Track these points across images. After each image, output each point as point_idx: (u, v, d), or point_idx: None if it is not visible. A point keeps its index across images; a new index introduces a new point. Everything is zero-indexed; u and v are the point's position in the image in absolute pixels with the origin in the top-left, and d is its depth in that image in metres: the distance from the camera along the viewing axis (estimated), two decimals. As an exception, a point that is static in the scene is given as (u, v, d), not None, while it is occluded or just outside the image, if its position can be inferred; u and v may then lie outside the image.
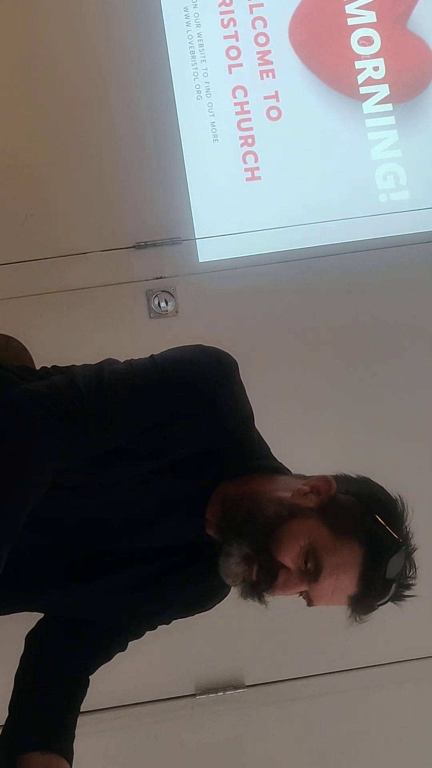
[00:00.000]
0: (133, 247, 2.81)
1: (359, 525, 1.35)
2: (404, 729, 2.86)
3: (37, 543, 1.42)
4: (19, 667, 1.59)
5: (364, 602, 1.37)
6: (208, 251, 2.83)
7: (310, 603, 1.40)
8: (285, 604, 2.83)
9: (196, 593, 1.54)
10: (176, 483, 1.41)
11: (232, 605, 2.86)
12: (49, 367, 1.61)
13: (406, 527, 1.40)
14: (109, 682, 2.76)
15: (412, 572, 1.40)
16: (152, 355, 1.45)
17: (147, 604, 1.51)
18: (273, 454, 1.52)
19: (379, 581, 1.35)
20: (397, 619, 2.83)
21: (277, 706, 2.81)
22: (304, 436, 2.68)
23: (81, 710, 2.78)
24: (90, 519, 1.41)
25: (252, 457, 1.47)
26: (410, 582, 1.40)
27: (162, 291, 2.80)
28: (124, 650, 1.64)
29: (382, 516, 1.36)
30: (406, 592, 1.40)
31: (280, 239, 2.84)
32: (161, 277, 2.81)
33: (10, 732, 1.48)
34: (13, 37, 2.83)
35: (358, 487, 1.42)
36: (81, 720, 2.73)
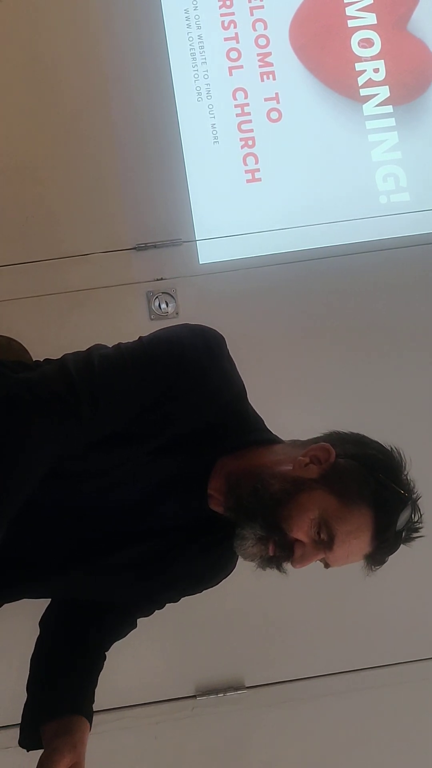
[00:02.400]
0: (134, 248, 2.81)
1: (365, 488, 1.36)
2: (404, 730, 2.86)
3: (40, 531, 1.43)
4: (35, 648, 1.63)
5: (378, 557, 1.40)
6: (208, 253, 2.83)
7: (327, 566, 1.42)
8: (285, 604, 2.85)
9: (202, 568, 1.55)
10: (176, 461, 1.42)
11: (233, 606, 2.88)
12: (41, 360, 1.62)
13: (406, 477, 1.42)
14: (109, 683, 2.76)
15: (418, 517, 1.42)
16: (140, 337, 1.47)
17: (155, 580, 1.51)
18: (267, 427, 1.54)
19: (391, 536, 1.38)
20: (397, 620, 2.85)
21: (278, 707, 2.81)
22: (305, 437, 2.68)
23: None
24: (93, 503, 1.42)
25: (248, 430, 1.48)
26: (418, 526, 1.42)
27: (163, 292, 2.80)
28: (134, 627, 1.68)
29: (385, 474, 1.38)
30: (415, 535, 1.42)
31: (281, 241, 2.85)
32: (162, 279, 2.81)
33: (32, 704, 1.57)
34: (15, 40, 2.84)
35: (355, 449, 1.43)
36: (81, 721, 2.74)
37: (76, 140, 2.83)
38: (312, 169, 2.89)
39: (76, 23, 2.86)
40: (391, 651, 2.85)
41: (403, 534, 1.40)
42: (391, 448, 1.44)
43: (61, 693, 1.53)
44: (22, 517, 1.37)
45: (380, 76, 2.93)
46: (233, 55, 2.90)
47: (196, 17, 2.89)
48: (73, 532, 1.45)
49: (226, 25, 2.90)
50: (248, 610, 2.78)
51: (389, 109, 2.92)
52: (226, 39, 2.90)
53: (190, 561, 1.51)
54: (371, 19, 2.93)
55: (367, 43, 2.93)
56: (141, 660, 2.75)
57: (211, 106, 2.88)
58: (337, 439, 1.46)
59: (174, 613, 2.71)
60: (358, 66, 2.92)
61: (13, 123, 2.83)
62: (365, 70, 2.93)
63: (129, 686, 2.76)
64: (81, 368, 1.38)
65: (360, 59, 2.93)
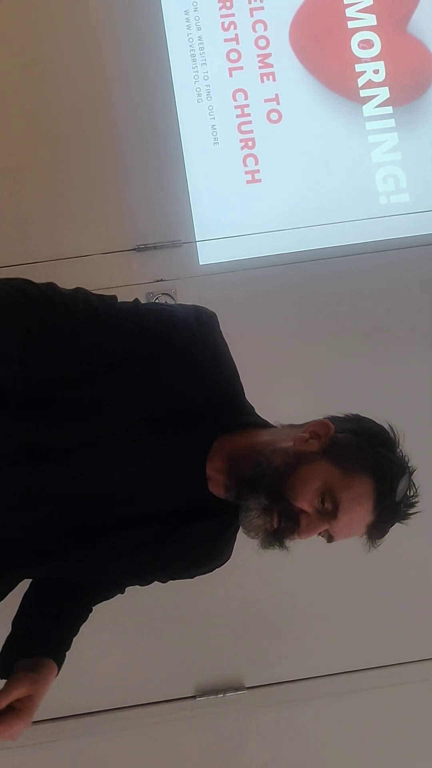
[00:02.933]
0: (134, 249, 2.81)
1: (364, 459, 1.40)
2: (404, 731, 2.86)
3: (38, 518, 1.44)
4: (22, 598, 1.68)
5: (379, 527, 1.43)
6: (208, 254, 2.83)
7: (330, 539, 1.44)
8: (285, 605, 2.85)
9: (198, 555, 1.56)
10: (173, 435, 1.43)
11: (233, 606, 2.88)
12: None
13: (401, 451, 1.46)
14: (109, 683, 2.77)
15: (413, 492, 1.46)
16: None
17: (151, 562, 1.53)
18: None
19: (391, 505, 1.41)
20: (397, 621, 2.85)
21: (277, 708, 2.81)
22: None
23: (81, 712, 2.81)
24: (93, 486, 1.42)
25: (244, 412, 1.51)
26: (414, 501, 1.46)
27: (162, 293, 2.80)
28: (122, 593, 1.70)
29: (383, 446, 1.43)
30: (411, 510, 1.46)
31: (281, 242, 2.85)
32: (162, 280, 2.81)
33: (11, 641, 1.61)
34: (16, 41, 2.84)
35: (352, 425, 1.48)
36: (81, 721, 2.76)
37: (77, 141, 2.83)
38: (312, 170, 2.89)
39: (77, 24, 2.86)
40: (390, 652, 2.85)
41: (401, 507, 1.43)
42: (387, 426, 1.47)
43: (37, 637, 1.60)
44: (19, 506, 1.40)
45: (380, 77, 2.93)
46: (233, 56, 2.90)
47: (196, 18, 2.89)
48: (65, 518, 1.45)
49: (226, 26, 2.90)
50: (248, 611, 2.78)
51: (389, 110, 2.93)
52: (226, 40, 2.90)
53: (187, 546, 1.51)
54: (371, 20, 2.93)
55: (367, 44, 2.93)
56: (141, 660, 2.75)
57: (211, 107, 2.88)
58: (333, 418, 1.50)
59: (174, 613, 2.72)
60: (358, 67, 2.93)
61: (13, 124, 2.83)
62: (365, 71, 2.93)
63: (128, 686, 2.76)
64: (69, 292, 1.43)
65: (360, 60, 2.93)
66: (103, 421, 1.39)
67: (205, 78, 2.88)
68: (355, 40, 2.94)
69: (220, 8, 2.90)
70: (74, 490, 1.42)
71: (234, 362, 1.51)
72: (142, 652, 2.74)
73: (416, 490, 1.46)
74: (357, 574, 2.83)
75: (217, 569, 1.64)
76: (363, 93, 2.92)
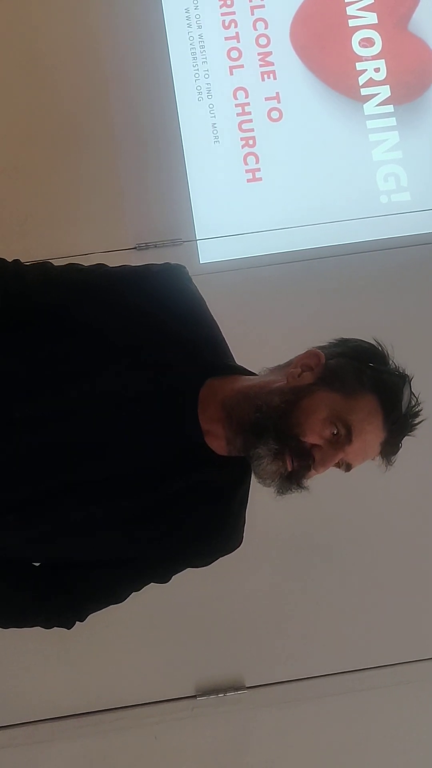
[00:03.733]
0: (134, 248, 2.81)
1: (362, 378, 1.39)
2: (405, 730, 2.86)
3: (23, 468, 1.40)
4: None
5: (392, 442, 1.40)
6: (209, 252, 2.83)
7: (348, 468, 1.39)
8: (285, 604, 2.85)
9: (201, 522, 1.47)
10: (162, 375, 1.40)
11: (233, 606, 2.87)
12: None
13: (393, 362, 1.47)
14: (109, 683, 2.77)
15: (415, 401, 1.44)
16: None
17: (143, 526, 1.44)
18: None
19: (400, 417, 1.39)
20: (398, 620, 2.85)
21: (278, 707, 2.81)
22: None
23: (81, 712, 2.81)
24: (89, 443, 1.39)
25: (228, 357, 1.49)
26: (418, 409, 1.44)
27: (163, 292, 2.79)
28: (120, 599, 1.57)
29: (376, 362, 1.43)
30: (417, 420, 1.43)
31: (281, 240, 2.84)
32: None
33: None
34: (15, 39, 2.84)
35: (340, 348, 1.46)
36: (81, 721, 2.76)
37: (76, 139, 2.83)
38: (312, 168, 2.89)
39: (76, 22, 2.85)
40: (391, 651, 2.85)
41: (408, 417, 1.41)
42: (374, 341, 1.48)
43: None
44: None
45: (381, 75, 2.92)
46: (234, 54, 2.89)
47: (197, 16, 2.89)
48: (55, 476, 1.40)
49: (226, 24, 2.90)
50: (248, 610, 2.78)
51: (390, 108, 2.92)
52: (226, 38, 2.90)
53: (186, 507, 1.44)
54: (372, 18, 2.93)
55: (367, 42, 2.93)
56: (141, 660, 2.75)
57: (211, 106, 2.88)
58: (319, 347, 1.47)
59: (174, 613, 2.72)
60: (359, 65, 2.92)
61: (13, 122, 2.83)
62: (366, 70, 2.92)
63: (129, 686, 2.76)
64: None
65: (361, 59, 2.92)
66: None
67: (206, 76, 2.88)
68: (355, 39, 2.93)
69: (221, 6, 2.90)
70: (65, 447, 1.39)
71: (210, 315, 1.51)
72: (142, 652, 2.74)
73: (417, 398, 1.45)
74: (358, 574, 2.83)
75: (223, 556, 1.55)
76: (364, 91, 2.92)
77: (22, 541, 1.45)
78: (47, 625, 1.53)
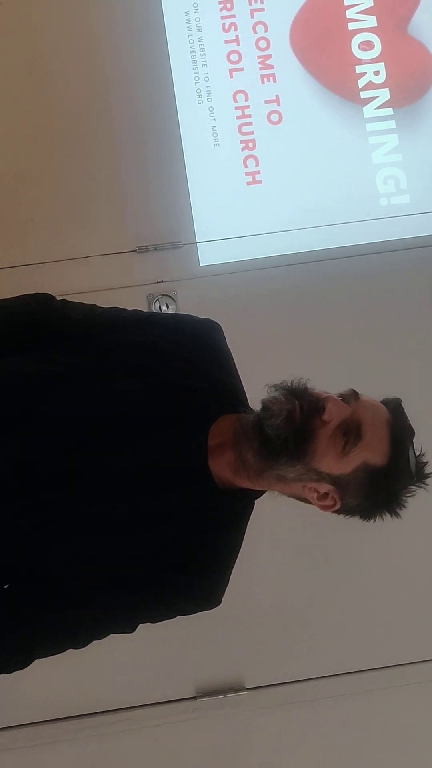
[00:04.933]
0: (135, 251, 2.82)
1: None
2: (406, 732, 2.86)
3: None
4: None
5: (397, 427, 1.44)
6: (209, 255, 2.83)
7: (357, 436, 1.39)
8: (285, 605, 2.84)
9: (187, 553, 1.45)
10: (177, 398, 1.45)
11: (233, 607, 2.87)
12: None
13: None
14: (109, 684, 2.77)
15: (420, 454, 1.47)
16: None
17: (124, 544, 1.43)
18: None
19: (402, 415, 1.46)
20: (399, 622, 2.85)
21: (278, 709, 2.81)
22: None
23: (82, 713, 2.81)
24: (103, 443, 1.42)
25: (247, 405, 1.51)
26: (424, 462, 1.47)
27: (163, 295, 2.80)
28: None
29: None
30: (427, 470, 1.47)
31: (281, 243, 2.85)
32: (162, 281, 2.81)
33: None
34: (16, 44, 2.84)
35: None
36: (81, 722, 2.76)
37: (77, 142, 2.83)
38: (312, 171, 2.89)
39: (77, 25, 2.86)
40: (392, 652, 2.85)
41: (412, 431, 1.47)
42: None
43: None
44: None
45: (380, 78, 2.93)
46: (234, 57, 2.90)
47: (197, 20, 2.90)
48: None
49: (226, 27, 2.90)
50: (248, 611, 2.78)
51: (389, 111, 2.93)
52: (226, 41, 2.90)
53: (172, 531, 1.43)
54: (371, 21, 2.94)
55: (367, 45, 2.94)
56: (141, 661, 2.75)
57: (211, 109, 2.88)
58: None
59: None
60: (359, 68, 2.93)
61: (14, 126, 2.84)
62: (365, 73, 2.93)
63: (129, 687, 2.76)
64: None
65: (360, 62, 2.93)
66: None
67: (206, 79, 2.88)
68: (355, 42, 2.94)
69: (221, 9, 2.90)
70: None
71: (235, 368, 1.56)
72: (142, 653, 2.74)
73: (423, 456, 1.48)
74: (359, 574, 2.83)
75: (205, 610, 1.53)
76: (363, 94, 2.93)
77: (25, 537, 1.44)
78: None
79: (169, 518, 1.41)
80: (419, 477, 1.44)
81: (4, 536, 1.43)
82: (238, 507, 1.47)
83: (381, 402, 1.47)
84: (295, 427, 1.36)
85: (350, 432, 1.38)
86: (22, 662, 1.47)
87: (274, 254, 2.84)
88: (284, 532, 2.78)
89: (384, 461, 1.40)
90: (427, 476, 1.46)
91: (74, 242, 2.79)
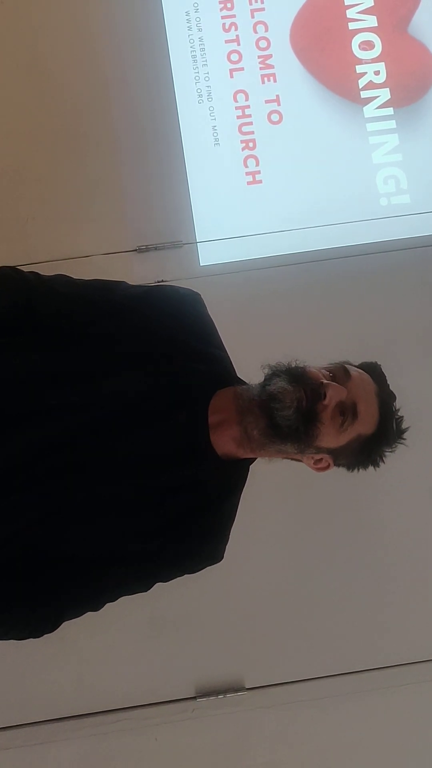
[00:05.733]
0: (135, 250, 2.82)
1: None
2: (406, 732, 2.86)
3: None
4: None
5: (385, 394, 1.57)
6: (209, 255, 2.83)
7: (354, 414, 1.50)
8: (285, 605, 2.84)
9: (188, 529, 1.54)
10: (176, 379, 1.51)
11: (233, 607, 2.88)
12: None
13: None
14: (109, 684, 2.77)
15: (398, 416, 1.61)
16: None
17: (132, 520, 1.51)
18: None
19: (384, 381, 1.60)
20: (399, 621, 2.85)
21: (278, 709, 2.80)
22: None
23: (81, 712, 2.81)
24: (105, 429, 1.47)
25: (234, 373, 1.61)
26: (403, 428, 1.61)
27: (163, 294, 2.80)
28: (97, 606, 1.59)
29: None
30: (402, 426, 1.61)
31: (281, 243, 2.85)
32: (163, 281, 2.81)
33: None
34: (17, 43, 2.84)
35: None
36: (81, 722, 2.76)
37: (77, 142, 2.83)
38: (313, 171, 2.90)
39: (77, 25, 2.86)
40: (392, 652, 2.85)
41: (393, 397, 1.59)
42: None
43: None
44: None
45: (381, 78, 2.93)
46: (234, 57, 2.90)
47: (197, 19, 2.90)
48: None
49: (227, 27, 2.90)
50: (248, 611, 2.78)
51: (390, 111, 2.93)
52: (227, 41, 2.90)
53: (175, 508, 1.51)
54: (372, 21, 2.94)
55: (367, 45, 2.94)
56: (141, 661, 2.75)
57: (211, 108, 2.88)
58: None
59: (174, 614, 2.72)
60: (359, 68, 2.93)
61: (14, 125, 2.84)
62: (366, 73, 2.93)
63: (129, 687, 2.76)
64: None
65: (361, 61, 2.93)
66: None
67: (206, 79, 2.88)
68: (355, 42, 2.94)
69: (221, 9, 2.90)
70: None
71: (220, 337, 1.64)
72: (142, 653, 2.74)
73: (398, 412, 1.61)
74: (359, 574, 2.83)
75: (209, 567, 1.60)
76: (364, 94, 2.93)
77: (31, 524, 1.48)
78: (22, 635, 1.55)
79: (176, 494, 1.49)
80: (399, 434, 1.60)
81: (22, 522, 1.48)
82: (236, 475, 1.56)
83: (362, 366, 1.59)
84: (303, 415, 1.46)
85: (347, 411, 1.50)
86: (50, 628, 1.56)
87: (274, 254, 2.84)
88: (284, 532, 2.78)
89: (374, 429, 1.55)
90: (404, 431, 1.62)
91: (75, 241, 2.79)
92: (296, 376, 1.49)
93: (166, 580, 1.59)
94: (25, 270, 1.60)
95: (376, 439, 1.56)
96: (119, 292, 1.60)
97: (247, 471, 1.57)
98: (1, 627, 1.51)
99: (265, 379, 1.51)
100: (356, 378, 1.54)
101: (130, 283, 1.69)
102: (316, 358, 2.86)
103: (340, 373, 1.52)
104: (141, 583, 1.58)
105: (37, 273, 1.59)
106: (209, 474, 1.51)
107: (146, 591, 1.59)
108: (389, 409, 1.57)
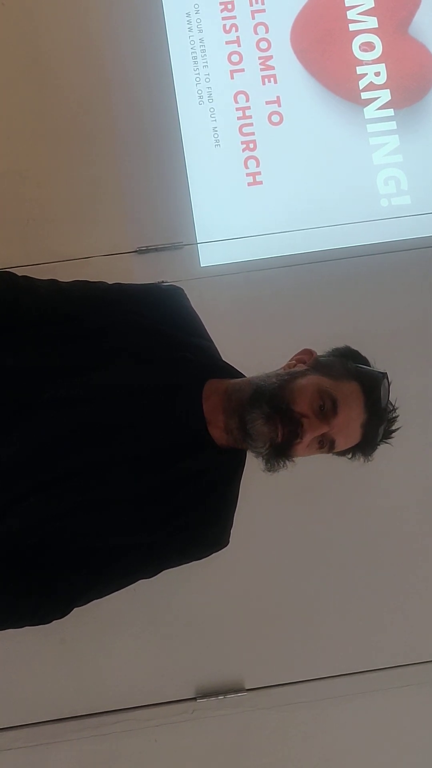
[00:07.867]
0: (135, 251, 2.82)
1: (347, 369, 1.58)
2: (406, 733, 2.86)
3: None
4: None
5: (372, 425, 1.55)
6: (209, 256, 2.84)
7: (332, 446, 1.54)
8: (285, 606, 2.85)
9: (193, 517, 1.58)
10: (168, 374, 1.55)
11: (233, 607, 2.88)
12: None
13: (374, 366, 1.66)
14: (109, 685, 2.78)
15: (393, 405, 1.62)
16: None
17: (154, 511, 1.55)
18: None
19: (379, 406, 1.56)
20: (399, 623, 2.85)
21: (278, 710, 2.81)
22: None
23: (81, 714, 2.81)
24: (105, 425, 1.50)
25: (230, 367, 1.64)
26: (395, 416, 1.62)
27: (164, 295, 2.80)
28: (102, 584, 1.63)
29: (358, 362, 1.62)
30: (394, 427, 1.62)
31: (282, 244, 2.85)
32: (163, 282, 2.80)
33: None
34: (18, 44, 2.85)
35: (330, 351, 1.66)
36: (81, 723, 2.76)
37: (78, 143, 2.83)
38: (313, 172, 2.90)
39: (78, 26, 2.86)
40: (392, 653, 2.85)
41: (386, 414, 1.59)
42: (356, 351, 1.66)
43: None
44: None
45: (381, 79, 2.93)
46: (234, 58, 2.90)
47: (198, 21, 2.90)
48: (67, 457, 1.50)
49: (227, 28, 2.91)
50: (248, 612, 2.78)
51: (390, 112, 2.93)
52: (227, 42, 2.90)
53: (178, 496, 1.54)
54: (372, 22, 2.94)
55: (368, 46, 2.94)
56: (141, 662, 2.76)
57: (212, 109, 2.88)
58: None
59: (174, 614, 2.72)
60: (360, 69, 2.93)
61: (15, 127, 2.84)
62: (366, 74, 2.93)
63: (129, 688, 2.76)
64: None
65: (361, 63, 2.93)
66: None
67: (207, 80, 2.89)
68: (356, 43, 2.94)
69: (222, 10, 2.90)
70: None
71: (204, 327, 1.67)
72: (142, 654, 2.74)
73: (394, 404, 1.62)
74: (359, 575, 2.83)
75: (215, 553, 1.63)
76: (364, 95, 2.93)
77: (45, 517, 1.51)
78: (33, 622, 1.58)
79: (179, 484, 1.53)
80: (387, 435, 1.61)
81: (36, 517, 1.51)
82: (235, 461, 1.59)
83: (366, 376, 1.58)
84: (276, 448, 1.50)
85: (324, 443, 1.53)
86: (59, 615, 1.59)
87: (275, 255, 2.84)
88: (284, 533, 2.78)
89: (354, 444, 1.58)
90: (392, 432, 1.63)
91: (75, 243, 2.79)
92: (278, 408, 1.50)
93: (174, 566, 1.63)
94: (21, 274, 1.62)
95: (353, 450, 1.59)
96: (102, 288, 1.66)
97: (244, 456, 1.60)
98: (16, 614, 1.54)
99: (250, 398, 1.52)
100: (344, 415, 1.52)
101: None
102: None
103: (329, 405, 1.51)
104: (149, 571, 1.61)
105: (26, 276, 1.64)
106: (209, 462, 1.54)
107: (153, 577, 1.63)
108: (374, 431, 1.57)
